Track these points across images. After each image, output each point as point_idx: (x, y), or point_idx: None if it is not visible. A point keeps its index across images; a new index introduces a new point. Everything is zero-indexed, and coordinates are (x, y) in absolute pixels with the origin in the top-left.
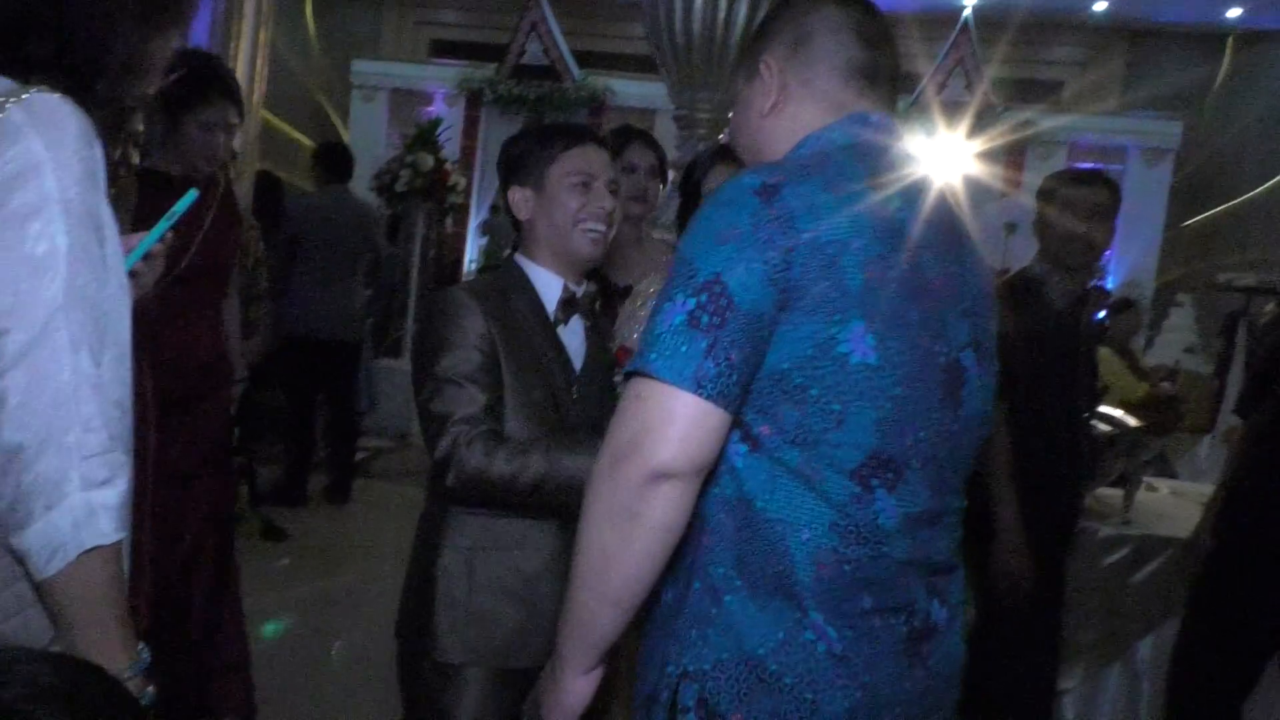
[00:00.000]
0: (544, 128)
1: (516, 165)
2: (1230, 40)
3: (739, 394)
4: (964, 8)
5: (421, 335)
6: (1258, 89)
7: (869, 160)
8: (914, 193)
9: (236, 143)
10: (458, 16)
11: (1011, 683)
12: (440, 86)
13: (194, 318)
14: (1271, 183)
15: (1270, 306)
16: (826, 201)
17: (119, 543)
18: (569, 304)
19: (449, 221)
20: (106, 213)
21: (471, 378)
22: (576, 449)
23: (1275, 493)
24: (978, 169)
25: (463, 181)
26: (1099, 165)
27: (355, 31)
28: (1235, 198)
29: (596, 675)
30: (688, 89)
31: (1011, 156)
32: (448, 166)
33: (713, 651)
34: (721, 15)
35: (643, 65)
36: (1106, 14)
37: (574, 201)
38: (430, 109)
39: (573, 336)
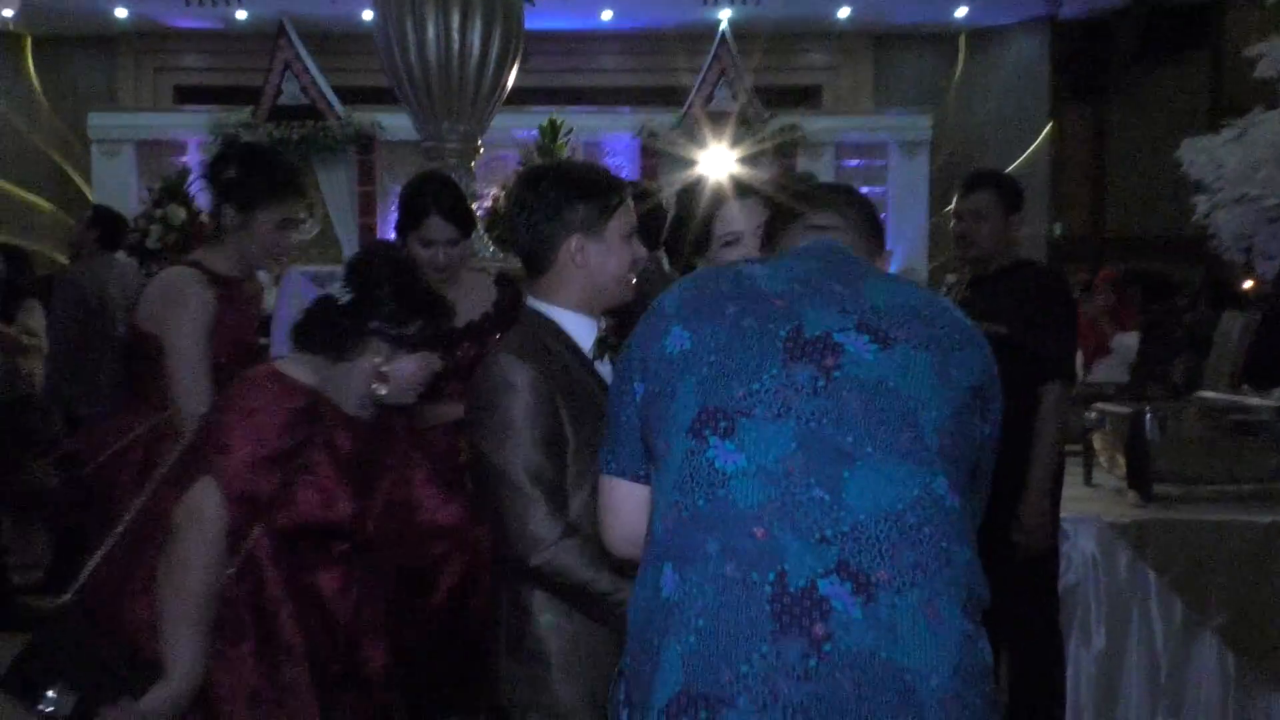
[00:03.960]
0: (601, 179)
1: (571, 213)
2: (962, 37)
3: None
4: (719, 21)
5: (483, 411)
6: (991, 81)
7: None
8: (794, 255)
9: None
10: (201, 60)
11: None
12: (192, 134)
13: None
14: (1012, 167)
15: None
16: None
17: None
18: (604, 341)
19: None
20: None
21: (553, 471)
22: None
23: None
24: (752, 174)
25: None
26: (863, 162)
27: (88, 83)
28: None
29: None
30: (431, 120)
31: (783, 160)
32: (203, 218)
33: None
34: (456, 45)
35: None
36: (850, 19)
37: (629, 252)
38: (185, 158)
39: (607, 372)
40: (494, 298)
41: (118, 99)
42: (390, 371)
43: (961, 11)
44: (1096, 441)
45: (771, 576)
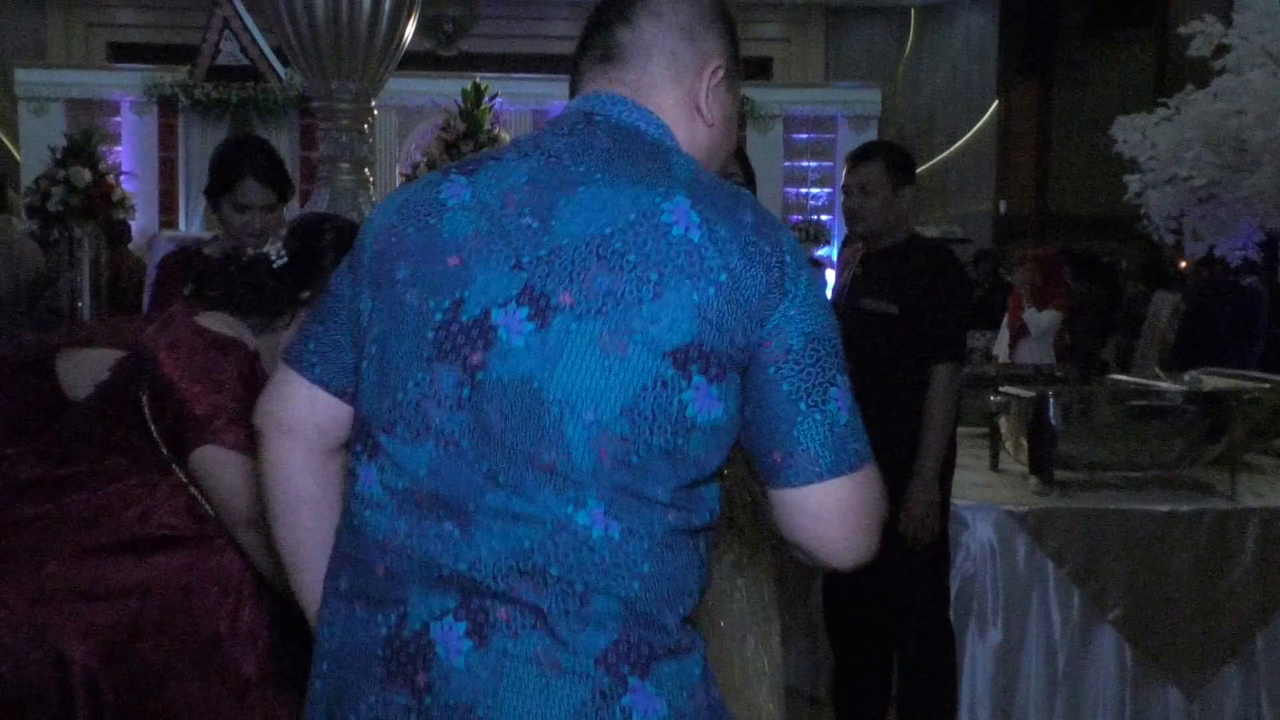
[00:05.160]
0: None
1: None
2: (914, 11)
3: (313, 360)
4: None
5: None
6: (941, 57)
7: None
8: (492, 158)
9: None
10: (136, 16)
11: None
12: (125, 94)
13: None
14: (961, 143)
15: None
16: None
17: None
18: None
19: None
20: None
21: None
22: None
23: None
24: None
25: (129, 196)
26: (813, 135)
27: (12, 37)
28: (933, 158)
29: None
30: (320, 79)
31: None
32: (110, 179)
33: None
34: (345, 2)
35: None
36: None
37: None
38: (117, 119)
39: None
40: None
41: (47, 54)
42: None
43: None
44: (1002, 426)
45: (393, 619)
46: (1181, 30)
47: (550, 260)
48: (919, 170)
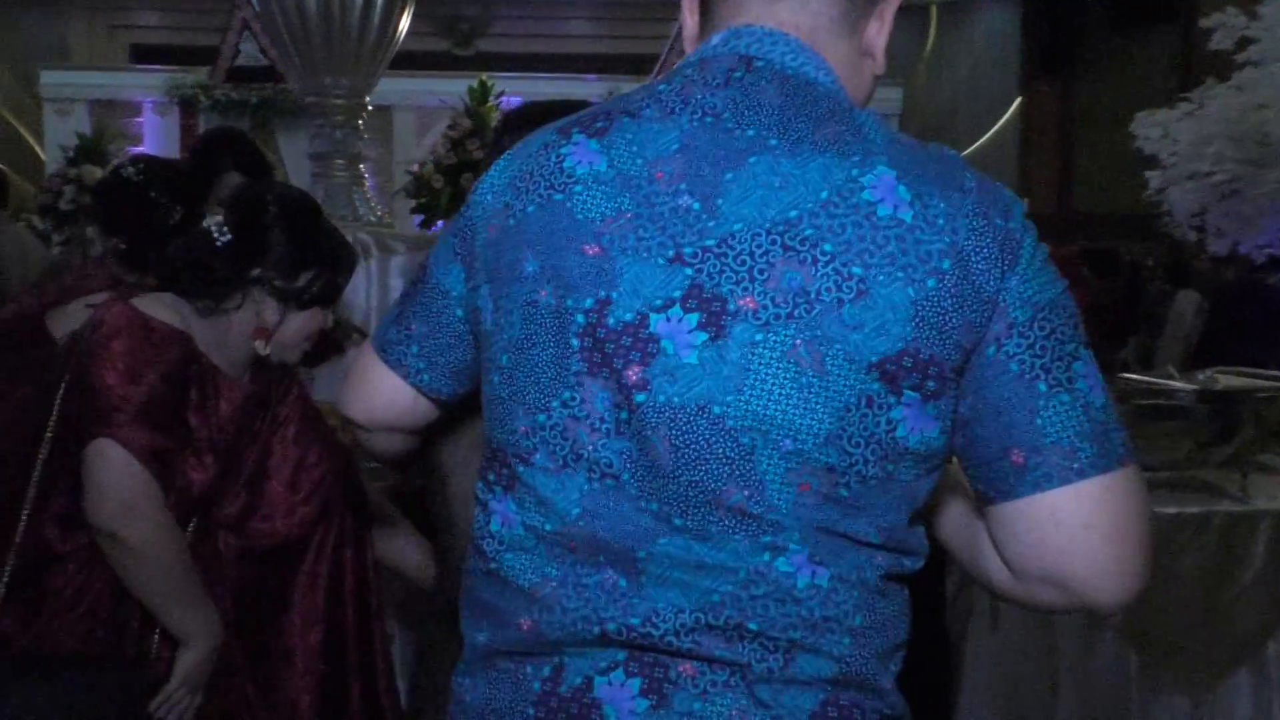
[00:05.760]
0: None
1: None
2: (934, 8)
3: (418, 364)
4: None
5: None
6: (962, 54)
7: (667, 83)
8: (625, 113)
9: None
10: (158, 19)
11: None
12: (147, 95)
13: None
14: (983, 139)
15: None
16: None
17: None
18: None
19: None
20: None
21: None
22: None
23: None
24: None
25: None
26: None
27: (37, 40)
28: None
29: None
30: (312, 75)
31: None
32: None
33: None
34: None
35: None
36: None
37: None
38: (139, 119)
39: None
40: None
41: (70, 56)
42: (272, 326)
43: None
44: None
45: (546, 671)
46: (1204, 23)
47: (721, 253)
48: None
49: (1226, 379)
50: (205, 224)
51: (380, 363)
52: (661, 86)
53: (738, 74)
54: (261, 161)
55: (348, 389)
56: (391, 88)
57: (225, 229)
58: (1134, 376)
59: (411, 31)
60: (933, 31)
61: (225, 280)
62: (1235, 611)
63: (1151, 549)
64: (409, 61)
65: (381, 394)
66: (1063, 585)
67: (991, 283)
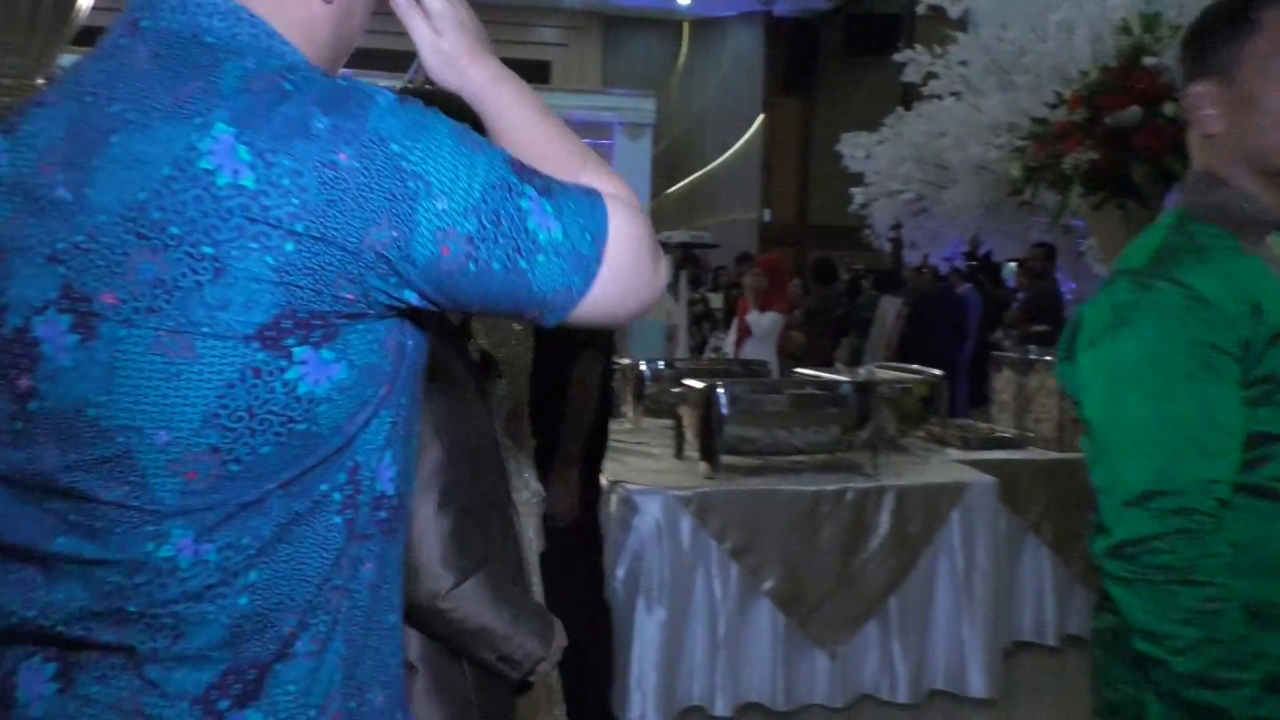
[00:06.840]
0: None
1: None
2: (686, 25)
3: None
4: None
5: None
6: (712, 69)
7: None
8: (38, 103)
9: None
10: None
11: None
12: None
13: None
14: (730, 153)
15: None
16: None
17: None
18: None
19: None
20: None
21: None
22: None
23: None
24: None
25: None
26: (589, 141)
27: None
28: (704, 166)
29: None
30: None
31: None
32: None
33: None
34: None
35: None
36: None
37: None
38: None
39: None
40: None
41: None
42: None
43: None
44: (684, 416)
45: None
46: (897, 58)
47: (89, 248)
48: (690, 179)
49: (884, 373)
50: None
51: None
52: (70, 66)
53: (123, 41)
54: None
55: None
56: None
57: None
58: (807, 371)
59: None
60: (685, 47)
61: None
62: (865, 574)
63: None
64: None
65: None
66: None
67: (354, 236)
